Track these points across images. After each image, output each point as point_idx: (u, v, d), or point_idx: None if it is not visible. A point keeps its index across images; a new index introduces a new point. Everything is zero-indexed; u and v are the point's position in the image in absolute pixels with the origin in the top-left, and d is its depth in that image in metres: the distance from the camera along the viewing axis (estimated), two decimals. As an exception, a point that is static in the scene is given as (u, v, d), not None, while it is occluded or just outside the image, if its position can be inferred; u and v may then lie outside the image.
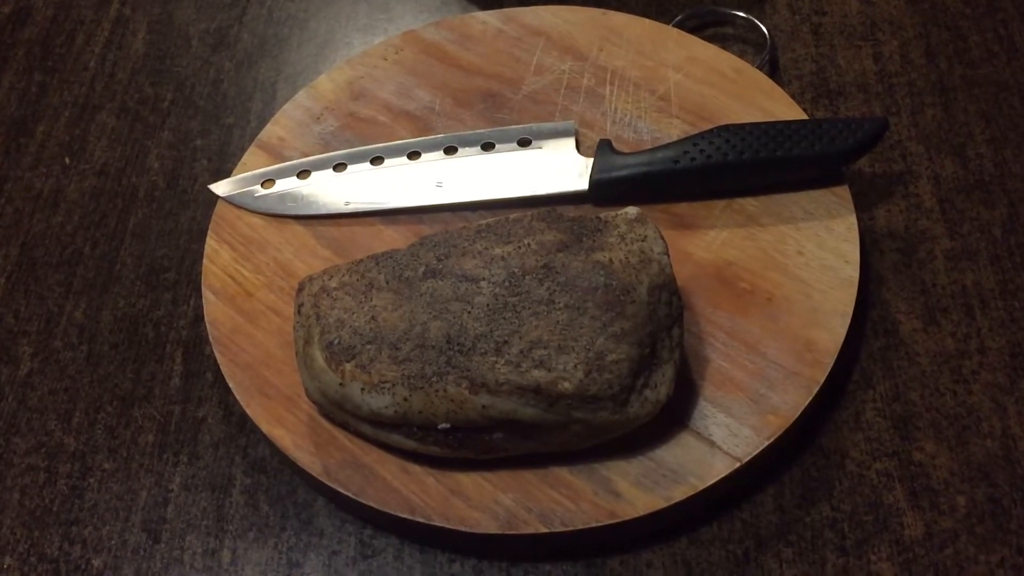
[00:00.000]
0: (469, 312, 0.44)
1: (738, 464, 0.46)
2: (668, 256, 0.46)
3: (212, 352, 0.52)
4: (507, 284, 0.45)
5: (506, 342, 0.43)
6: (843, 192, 0.54)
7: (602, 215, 0.48)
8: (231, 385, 0.50)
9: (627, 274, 0.45)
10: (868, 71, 0.63)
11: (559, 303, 0.44)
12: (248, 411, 0.49)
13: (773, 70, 0.63)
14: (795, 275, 0.51)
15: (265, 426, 0.48)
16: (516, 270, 0.45)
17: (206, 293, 0.53)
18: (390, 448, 0.47)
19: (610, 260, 0.45)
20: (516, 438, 0.45)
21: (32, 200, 0.61)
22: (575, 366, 0.43)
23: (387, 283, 0.46)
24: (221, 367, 0.50)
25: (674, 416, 0.47)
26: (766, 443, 0.46)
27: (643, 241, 0.46)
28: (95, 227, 0.59)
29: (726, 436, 0.46)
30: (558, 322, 0.44)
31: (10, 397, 0.53)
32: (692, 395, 0.48)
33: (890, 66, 0.63)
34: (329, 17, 0.68)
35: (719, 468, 0.45)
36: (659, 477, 0.45)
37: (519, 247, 0.46)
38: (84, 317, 0.56)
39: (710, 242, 0.53)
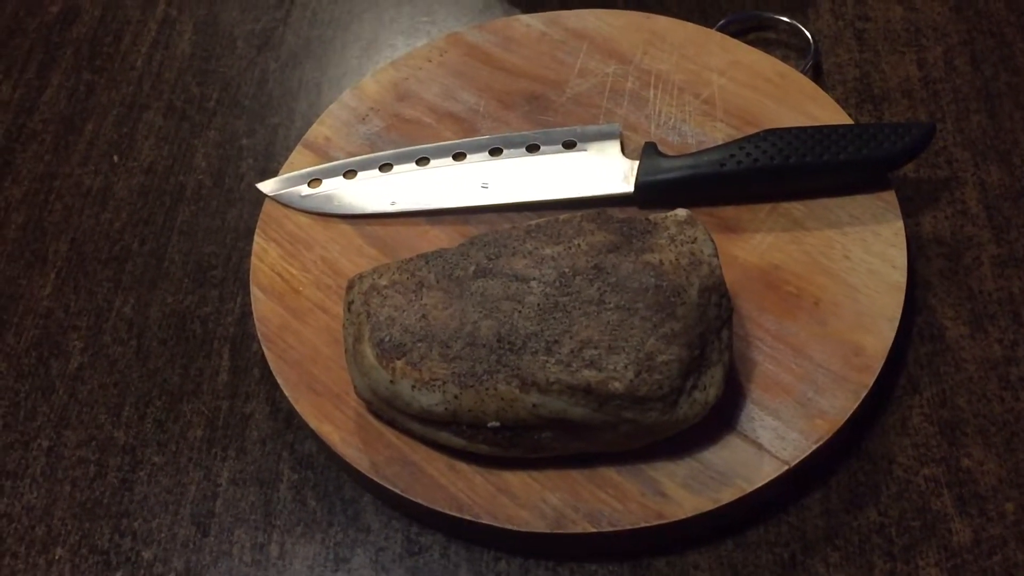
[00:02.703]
0: (520, 311, 0.45)
1: (786, 467, 0.46)
2: (718, 258, 0.46)
3: (259, 349, 0.53)
4: (558, 284, 0.45)
5: (557, 341, 0.44)
6: (890, 197, 0.54)
7: (651, 217, 0.48)
8: (280, 381, 0.50)
9: (677, 275, 0.45)
10: (912, 77, 0.63)
11: (610, 303, 0.44)
12: (296, 407, 0.49)
13: (817, 75, 0.63)
14: (842, 279, 0.51)
15: (313, 422, 0.49)
16: (567, 270, 0.45)
17: (254, 290, 0.54)
18: (438, 446, 0.47)
19: (660, 261, 0.45)
20: (565, 437, 0.45)
21: (81, 197, 0.61)
22: (625, 366, 0.43)
23: (437, 282, 0.47)
24: (269, 363, 0.51)
25: (722, 418, 0.47)
26: (814, 447, 0.46)
27: (693, 243, 0.46)
28: (143, 224, 0.60)
29: (773, 439, 0.46)
30: (608, 322, 0.44)
31: (61, 391, 0.54)
32: (739, 398, 0.48)
33: (934, 72, 0.63)
34: (372, 19, 0.69)
35: (767, 471, 0.46)
36: (707, 479, 0.46)
37: (569, 247, 0.46)
38: (133, 312, 0.56)
39: (756, 245, 0.53)
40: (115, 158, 0.63)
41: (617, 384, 0.43)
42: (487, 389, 0.44)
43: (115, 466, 0.51)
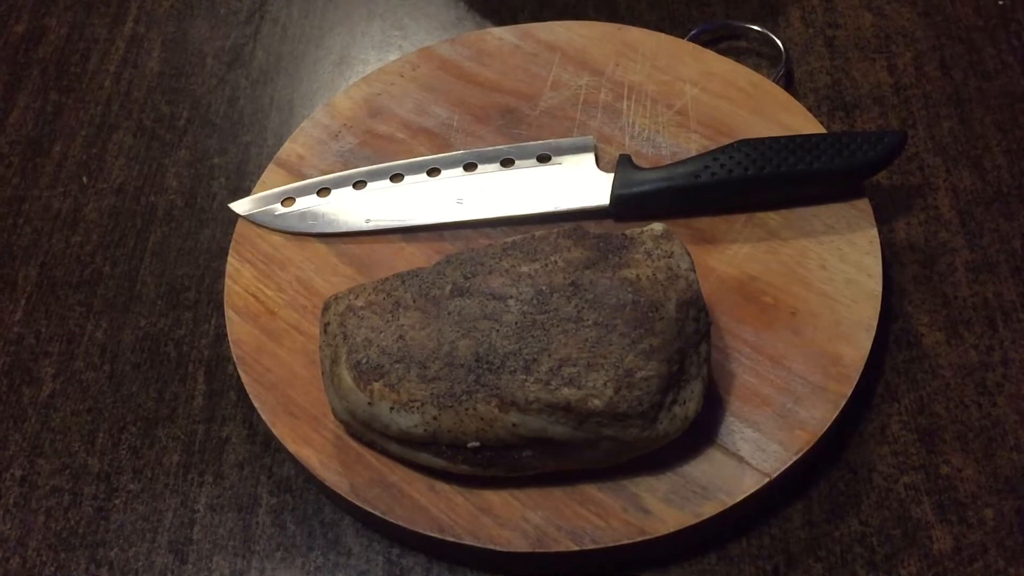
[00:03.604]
0: (497, 330, 0.44)
1: (767, 480, 0.46)
2: (695, 272, 0.46)
3: (235, 371, 0.53)
4: (535, 302, 0.45)
5: (535, 360, 0.44)
6: (863, 205, 0.54)
7: (628, 232, 0.48)
8: (256, 405, 0.50)
9: (655, 291, 0.45)
10: (883, 83, 0.63)
11: (587, 320, 0.44)
12: (274, 431, 0.49)
13: (788, 83, 0.63)
14: (818, 289, 0.51)
15: (291, 446, 0.48)
16: (544, 288, 0.45)
17: (229, 313, 0.53)
18: (418, 467, 0.47)
19: (637, 277, 0.45)
20: (545, 456, 0.45)
21: (50, 220, 0.61)
22: (605, 383, 0.43)
23: (414, 302, 0.46)
24: (246, 387, 0.50)
25: (701, 431, 0.47)
26: (794, 458, 0.46)
27: (670, 257, 0.46)
28: (114, 246, 0.59)
29: (754, 451, 0.46)
30: (587, 339, 0.44)
31: (33, 418, 0.53)
32: (719, 410, 0.48)
33: (905, 78, 0.63)
34: (343, 34, 0.68)
35: (748, 484, 0.45)
36: (688, 493, 0.45)
37: (546, 264, 0.46)
38: (105, 337, 0.56)
39: (732, 256, 0.53)
40: (84, 180, 0.62)
41: (597, 401, 0.43)
42: (466, 409, 0.44)
43: (90, 494, 0.50)
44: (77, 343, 0.55)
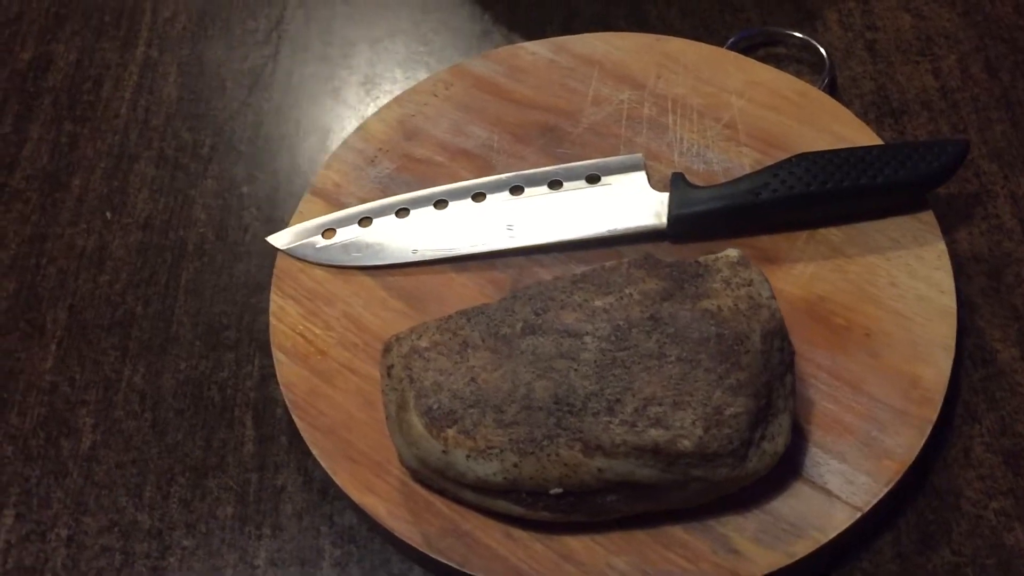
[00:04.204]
0: (576, 370, 0.42)
1: (859, 514, 0.44)
2: (775, 300, 0.44)
3: (284, 414, 0.50)
4: (613, 338, 0.43)
5: (619, 400, 0.42)
6: (928, 217, 0.53)
7: (701, 259, 0.46)
8: (315, 452, 0.47)
9: (738, 322, 0.43)
10: (929, 87, 0.61)
11: (670, 356, 0.42)
12: (336, 479, 0.47)
13: (832, 90, 0.61)
14: (890, 307, 0.50)
15: (356, 494, 0.46)
16: (621, 323, 0.43)
17: (277, 354, 0.51)
18: (494, 513, 0.45)
19: (719, 308, 0.43)
20: (631, 499, 0.43)
21: (75, 259, 0.58)
22: (693, 422, 0.41)
23: (483, 341, 0.44)
24: (302, 433, 0.48)
25: (787, 465, 0.45)
26: (885, 490, 0.44)
27: (749, 286, 0.44)
28: (145, 285, 0.56)
29: (842, 484, 0.45)
30: (671, 376, 0.42)
31: (75, 473, 0.50)
32: (802, 441, 0.46)
33: (951, 82, 0.61)
34: (366, 51, 0.66)
35: (840, 519, 0.44)
36: (779, 532, 0.44)
37: (621, 297, 0.44)
38: (144, 382, 0.53)
39: (798, 276, 0.51)
40: (108, 215, 0.59)
41: (686, 442, 0.41)
42: (548, 455, 0.41)
43: (142, 553, 0.48)
44: (115, 390, 0.53)
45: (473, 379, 0.43)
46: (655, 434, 0.41)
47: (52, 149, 0.63)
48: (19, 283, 0.57)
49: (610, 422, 0.41)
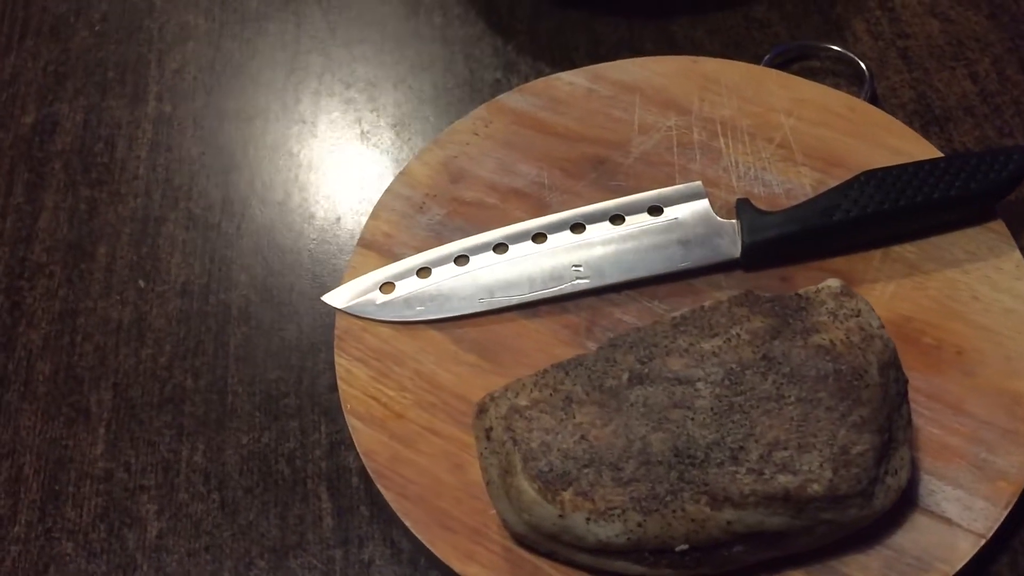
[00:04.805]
0: (692, 419, 0.41)
1: (983, 540, 0.43)
2: (885, 329, 0.43)
3: (360, 483, 0.48)
4: (727, 382, 0.41)
5: (742, 447, 0.40)
6: (999, 227, 0.52)
7: (801, 292, 0.44)
8: (407, 523, 0.45)
9: (853, 356, 0.41)
10: (969, 92, 0.61)
11: (789, 397, 0.40)
12: (434, 550, 0.44)
13: (873, 101, 0.61)
14: (977, 323, 0.49)
15: (457, 565, 0.44)
16: (734, 365, 0.41)
17: (351, 421, 0.48)
18: (610, 574, 0.42)
19: (831, 342, 0.42)
20: (758, 548, 0.41)
21: (112, 333, 0.54)
22: (821, 465, 0.39)
23: (587, 395, 0.42)
24: (391, 503, 0.45)
25: (903, 497, 0.44)
26: (1005, 513, 0.43)
27: (858, 316, 0.43)
28: (192, 355, 0.53)
29: (961, 511, 0.44)
30: (792, 418, 0.40)
31: (144, 566, 0.47)
32: (915, 470, 0.44)
33: (989, 85, 0.61)
34: (390, 91, 0.63)
35: (964, 548, 0.43)
36: (904, 567, 0.42)
37: (728, 339, 0.42)
38: (206, 460, 0.50)
39: (878, 297, 0.50)
40: (141, 283, 0.56)
41: (816, 486, 0.39)
42: (673, 511, 0.40)
43: (231, 647, 0.45)
44: (175, 471, 0.50)
45: (583, 436, 0.41)
46: (784, 480, 0.39)
47: (71, 217, 0.59)
48: (55, 364, 0.53)
49: (736, 472, 0.39)
